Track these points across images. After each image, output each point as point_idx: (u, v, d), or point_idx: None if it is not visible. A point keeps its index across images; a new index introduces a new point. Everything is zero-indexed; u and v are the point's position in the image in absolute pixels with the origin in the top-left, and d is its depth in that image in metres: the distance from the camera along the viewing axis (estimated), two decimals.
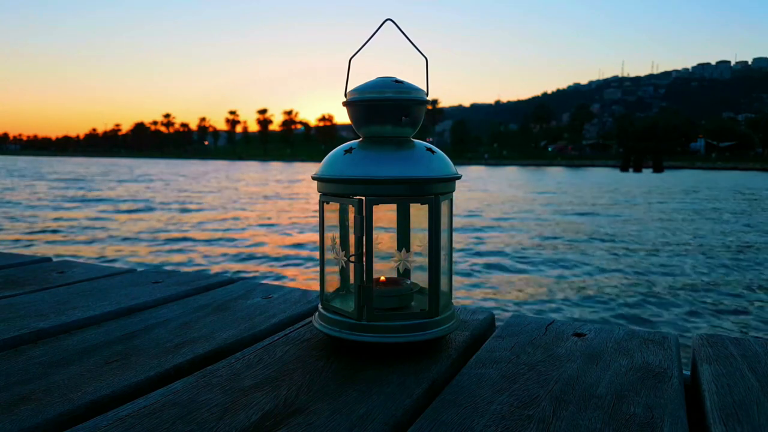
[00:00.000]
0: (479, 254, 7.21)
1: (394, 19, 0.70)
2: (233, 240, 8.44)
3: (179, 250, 7.41)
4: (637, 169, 45.66)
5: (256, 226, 9.94)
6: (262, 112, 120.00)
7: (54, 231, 9.10)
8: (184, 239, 8.40)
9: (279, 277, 5.94)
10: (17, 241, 8.06)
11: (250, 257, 6.99)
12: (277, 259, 6.89)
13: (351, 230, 0.68)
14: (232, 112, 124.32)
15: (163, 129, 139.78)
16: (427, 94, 0.72)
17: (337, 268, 0.76)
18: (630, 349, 0.71)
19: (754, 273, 6.39)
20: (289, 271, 6.23)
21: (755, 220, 11.79)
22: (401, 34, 0.72)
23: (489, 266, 6.49)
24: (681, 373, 0.65)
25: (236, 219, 11.00)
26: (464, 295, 5.13)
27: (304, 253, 7.31)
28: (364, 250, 0.66)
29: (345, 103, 0.72)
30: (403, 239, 0.78)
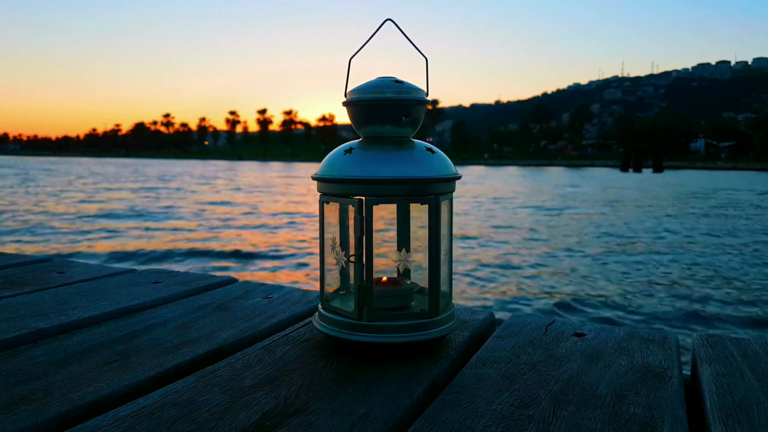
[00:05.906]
0: None
1: (394, 19, 0.70)
2: None
3: None
4: (637, 169, 45.62)
5: None
6: (262, 112, 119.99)
7: None
8: None
9: None
10: None
11: None
12: None
13: (351, 230, 0.68)
14: (232, 112, 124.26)
15: (163, 129, 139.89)
16: (427, 94, 0.72)
17: (337, 268, 0.76)
18: (630, 349, 0.71)
19: None
20: None
21: None
22: (401, 34, 0.72)
23: None
24: (681, 373, 0.65)
25: None
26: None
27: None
28: (364, 250, 0.66)
29: (345, 103, 0.72)
30: (403, 239, 0.78)
